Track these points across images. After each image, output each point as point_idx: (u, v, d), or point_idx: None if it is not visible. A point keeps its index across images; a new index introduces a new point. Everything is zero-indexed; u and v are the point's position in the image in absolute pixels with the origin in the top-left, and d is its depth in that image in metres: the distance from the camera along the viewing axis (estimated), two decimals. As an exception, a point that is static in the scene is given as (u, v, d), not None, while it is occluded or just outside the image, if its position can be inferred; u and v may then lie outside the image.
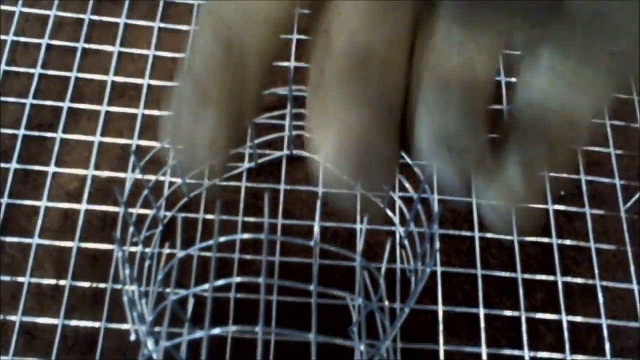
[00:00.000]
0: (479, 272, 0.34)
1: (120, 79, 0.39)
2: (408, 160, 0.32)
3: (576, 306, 0.35)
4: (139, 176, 0.32)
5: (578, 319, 0.34)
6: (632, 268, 0.35)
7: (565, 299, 0.35)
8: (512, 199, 0.23)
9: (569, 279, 0.35)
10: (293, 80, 0.33)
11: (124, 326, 0.33)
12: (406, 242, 0.35)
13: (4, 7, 0.41)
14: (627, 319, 0.34)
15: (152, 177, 0.34)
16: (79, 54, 0.40)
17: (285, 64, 0.40)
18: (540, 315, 0.34)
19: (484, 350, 0.33)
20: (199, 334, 0.25)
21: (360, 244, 0.29)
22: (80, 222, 0.35)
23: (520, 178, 0.22)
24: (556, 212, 0.37)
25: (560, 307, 0.34)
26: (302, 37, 0.41)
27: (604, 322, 0.34)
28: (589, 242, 0.36)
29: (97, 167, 0.37)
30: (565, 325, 0.34)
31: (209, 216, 0.35)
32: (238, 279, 0.25)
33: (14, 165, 0.36)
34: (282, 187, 0.36)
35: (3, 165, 0.36)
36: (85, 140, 0.38)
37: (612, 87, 0.20)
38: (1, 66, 0.39)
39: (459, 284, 0.35)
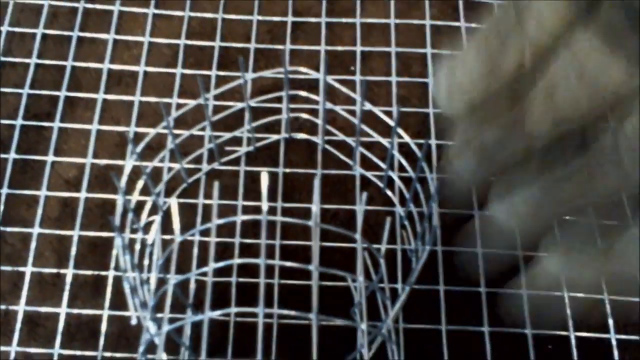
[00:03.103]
0: (480, 250, 0.34)
1: (116, 67, 0.39)
2: (407, 139, 0.32)
3: (578, 282, 0.34)
4: (137, 163, 0.32)
5: (580, 294, 0.34)
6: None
7: (567, 275, 0.34)
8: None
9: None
10: (289, 63, 0.33)
11: (126, 313, 0.33)
12: (406, 222, 0.35)
13: (-2, -2, 0.41)
14: (629, 294, 0.34)
15: (150, 164, 0.34)
16: (74, 43, 0.40)
17: (281, 46, 0.40)
18: (542, 292, 0.34)
19: (486, 329, 0.33)
20: (200, 316, 0.25)
21: (359, 224, 0.29)
22: (80, 211, 0.35)
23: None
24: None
25: (562, 283, 0.34)
26: (298, 19, 0.41)
27: (606, 297, 0.34)
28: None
29: (95, 155, 0.37)
30: (567, 301, 0.34)
31: (208, 201, 0.35)
32: (238, 261, 0.25)
33: (12, 155, 0.36)
34: (281, 170, 0.36)
35: (2, 155, 0.36)
36: (82, 128, 0.37)
37: None
38: (-3, 57, 0.39)
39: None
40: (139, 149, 0.32)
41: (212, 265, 0.25)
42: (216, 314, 0.25)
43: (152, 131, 0.32)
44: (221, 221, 0.26)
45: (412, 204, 0.33)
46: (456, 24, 0.41)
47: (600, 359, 0.33)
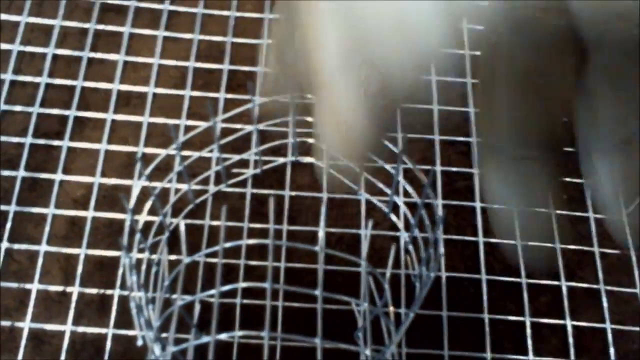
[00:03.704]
0: (484, 276, 0.35)
1: (125, 88, 0.40)
2: (411, 165, 0.32)
3: (580, 310, 0.35)
4: (145, 183, 0.32)
5: (582, 323, 0.34)
6: (636, 272, 0.36)
7: (569, 303, 0.35)
8: None
9: (573, 283, 0.35)
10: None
11: (131, 332, 0.33)
12: (411, 248, 0.35)
13: (9, 18, 0.41)
14: (631, 322, 0.35)
15: (158, 184, 0.34)
16: (84, 63, 0.40)
17: (289, 71, 0.40)
18: (544, 320, 0.34)
19: (488, 356, 0.33)
20: (205, 339, 0.25)
21: (364, 249, 0.29)
22: (87, 229, 0.35)
23: None
24: (559, 216, 0.37)
25: (565, 311, 0.34)
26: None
27: (608, 326, 0.34)
28: (593, 247, 0.36)
29: (103, 175, 0.37)
30: (569, 329, 0.34)
31: (215, 222, 0.36)
32: (244, 284, 0.26)
33: (21, 173, 0.37)
34: (287, 193, 0.37)
35: (11, 173, 0.37)
36: (91, 148, 0.38)
37: None
38: (8, 76, 0.40)
39: (463, 289, 0.35)
40: (147, 170, 0.32)
41: (219, 288, 0.26)
42: (222, 336, 0.25)
43: (161, 152, 0.33)
44: (229, 244, 0.27)
45: (416, 230, 0.34)
46: (460, 51, 0.41)
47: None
